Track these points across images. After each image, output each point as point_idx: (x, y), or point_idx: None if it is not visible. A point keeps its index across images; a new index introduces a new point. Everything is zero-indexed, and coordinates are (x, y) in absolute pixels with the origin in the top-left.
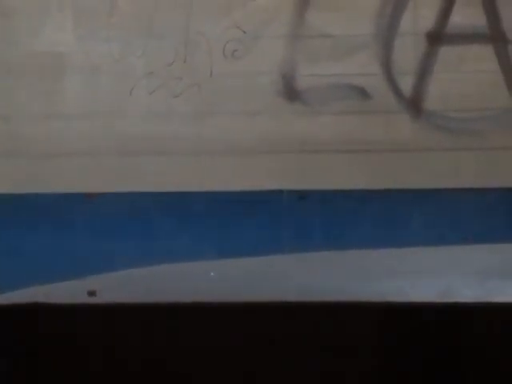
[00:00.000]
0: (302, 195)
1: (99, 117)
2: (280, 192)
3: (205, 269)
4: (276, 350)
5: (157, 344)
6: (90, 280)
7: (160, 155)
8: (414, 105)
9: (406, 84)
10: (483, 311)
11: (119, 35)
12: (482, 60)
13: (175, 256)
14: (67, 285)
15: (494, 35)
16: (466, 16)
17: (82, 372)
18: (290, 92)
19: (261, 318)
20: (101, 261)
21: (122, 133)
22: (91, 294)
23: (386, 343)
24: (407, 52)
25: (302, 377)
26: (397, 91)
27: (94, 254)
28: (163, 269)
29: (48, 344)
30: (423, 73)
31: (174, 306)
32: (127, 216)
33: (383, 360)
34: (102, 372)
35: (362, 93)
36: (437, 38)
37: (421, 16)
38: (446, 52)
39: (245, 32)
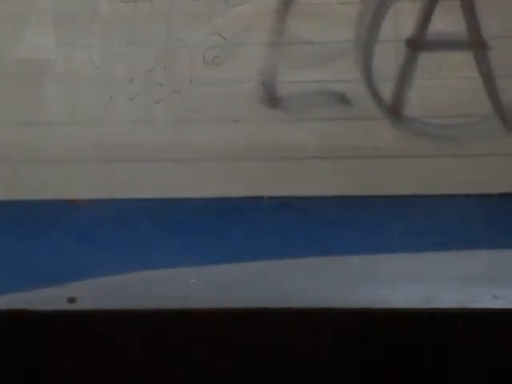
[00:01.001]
0: (283, 202)
1: (80, 123)
2: (261, 198)
3: (186, 275)
4: (256, 357)
5: (138, 350)
6: (70, 287)
7: (140, 162)
8: (394, 111)
9: (387, 90)
10: (464, 317)
11: (100, 42)
12: (461, 67)
13: (156, 262)
14: (47, 291)
15: (473, 42)
16: (446, 23)
17: (62, 379)
18: (271, 99)
19: (241, 324)
20: (81, 267)
21: (103, 139)
22: (71, 300)
23: (366, 349)
24: (387, 59)
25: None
26: (377, 98)
27: (75, 261)
28: (144, 275)
29: (27, 351)
30: (403, 79)
31: (155, 313)
32: (108, 222)
33: (363, 367)
34: (82, 379)
35: (343, 99)
36: (417, 44)
37: (401, 23)
38: (425, 59)
39: (225, 39)
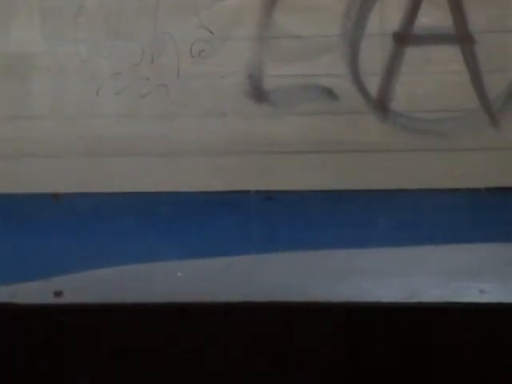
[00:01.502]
0: (269, 196)
1: (66, 117)
2: (247, 193)
3: (172, 269)
4: (242, 351)
5: (124, 344)
6: (56, 280)
7: (127, 156)
8: (381, 105)
9: (373, 85)
10: (450, 312)
11: (86, 36)
12: (448, 61)
13: (142, 256)
14: (33, 285)
15: (460, 36)
16: (433, 17)
17: (49, 373)
18: (258, 93)
19: (227, 318)
20: (68, 261)
21: (89, 133)
22: (58, 294)
23: (351, 344)
24: (374, 53)
25: (265, 378)
26: (364, 92)
27: (61, 255)
28: (130, 269)
29: (13, 344)
30: (390, 74)
31: (141, 307)
32: (94, 216)
33: (348, 361)
34: (69, 372)
35: (329, 94)
36: (403, 38)
37: (387, 17)
38: (412, 53)
39: (212, 32)
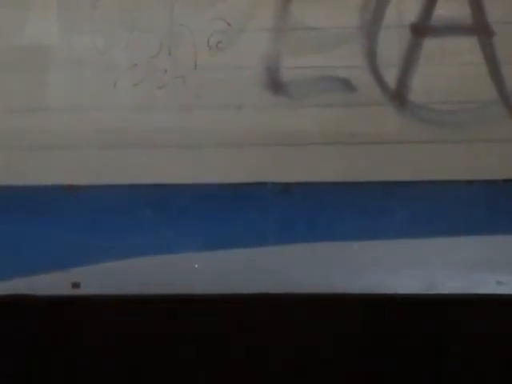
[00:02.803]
0: (286, 188)
1: (83, 109)
2: (265, 184)
3: (189, 261)
4: (258, 342)
5: (141, 336)
6: (74, 272)
7: (144, 148)
8: (399, 97)
9: (391, 76)
10: (468, 303)
11: (103, 28)
12: (466, 52)
13: (159, 248)
14: (51, 277)
15: (478, 28)
16: (451, 8)
17: (65, 364)
18: (275, 84)
19: (245, 309)
20: (85, 253)
21: (107, 125)
22: (75, 285)
23: (368, 335)
24: (392, 44)
25: (281, 370)
26: (381, 83)
27: (78, 246)
28: (147, 261)
29: (32, 336)
30: (407, 65)
31: (158, 299)
32: (111, 208)
33: (364, 353)
34: (85, 364)
35: (347, 85)
36: (421, 30)
37: (405, 9)
38: (430, 44)
39: (229, 24)
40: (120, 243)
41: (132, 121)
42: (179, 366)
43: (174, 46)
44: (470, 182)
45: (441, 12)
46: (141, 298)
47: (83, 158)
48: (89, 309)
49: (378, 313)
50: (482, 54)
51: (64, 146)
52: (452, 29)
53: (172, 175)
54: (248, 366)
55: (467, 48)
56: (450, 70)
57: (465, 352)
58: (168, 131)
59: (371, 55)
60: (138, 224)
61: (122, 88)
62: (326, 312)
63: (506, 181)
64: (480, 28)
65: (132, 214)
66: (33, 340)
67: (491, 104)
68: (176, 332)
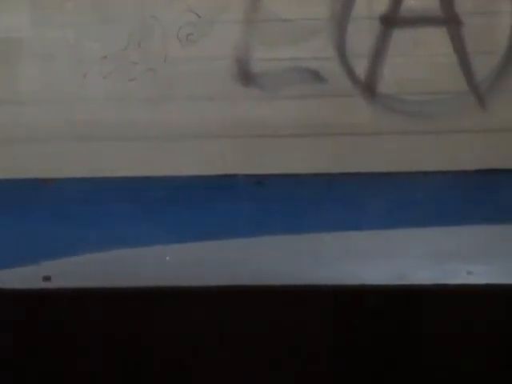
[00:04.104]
0: (258, 180)
1: (54, 102)
2: (236, 177)
3: (161, 253)
4: (231, 333)
5: (113, 328)
6: (44, 265)
7: (115, 140)
8: (369, 88)
9: (361, 67)
10: (438, 293)
11: (74, 20)
12: (435, 43)
13: (131, 241)
14: (22, 270)
15: (447, 18)
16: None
17: (37, 356)
18: (246, 76)
19: (217, 301)
20: (56, 246)
21: (77, 118)
22: (46, 279)
23: (339, 326)
24: (361, 36)
25: (254, 360)
26: (351, 75)
27: (50, 240)
28: (119, 254)
29: (2, 329)
30: (377, 56)
31: (130, 291)
32: (83, 201)
33: (337, 342)
34: (56, 356)
35: (317, 77)
36: (391, 21)
37: (375, 0)
38: (400, 35)
39: (199, 16)
40: (92, 236)
41: (103, 113)
42: (150, 356)
43: (144, 39)
44: (441, 173)
45: (410, 3)
46: (113, 291)
47: (54, 150)
48: (60, 302)
49: (350, 303)
50: (451, 45)
51: (35, 139)
52: (422, 20)
53: (143, 168)
54: (222, 356)
55: (437, 39)
56: (420, 60)
57: (435, 340)
58: (139, 124)
59: (341, 46)
60: (110, 217)
61: (93, 80)
62: (298, 303)
63: (477, 171)
64: (449, 19)
65: (104, 206)
66: (3, 333)
67: (461, 94)
68: (148, 323)
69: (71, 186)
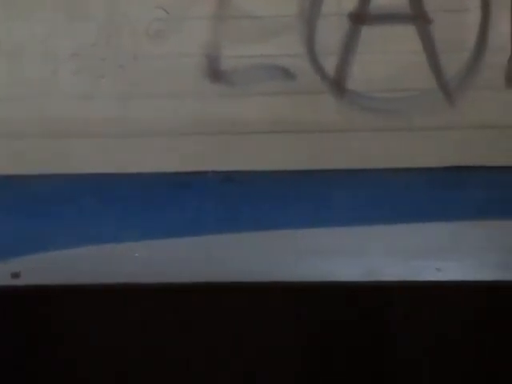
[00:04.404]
0: (227, 176)
1: (23, 98)
2: (206, 173)
3: (129, 250)
4: (200, 330)
5: (81, 325)
6: (13, 262)
7: (84, 137)
8: (338, 85)
9: (330, 65)
10: (407, 290)
11: (43, 17)
12: (404, 40)
13: (100, 238)
14: None
15: (416, 15)
16: None
17: (5, 353)
18: (215, 73)
19: (185, 298)
20: (26, 242)
21: (46, 114)
22: (15, 275)
23: (310, 322)
24: (331, 33)
25: (223, 357)
26: (321, 72)
27: (18, 236)
28: (88, 250)
29: None
30: (346, 53)
31: (99, 288)
32: (53, 198)
33: (307, 339)
34: (25, 353)
35: (287, 73)
36: (360, 18)
37: None
38: (369, 33)
39: (168, 13)
40: (61, 233)
41: (72, 110)
42: (117, 352)
43: (113, 35)
44: (409, 170)
45: (379, 0)
46: (81, 288)
47: (23, 146)
48: (28, 299)
49: (320, 300)
50: (420, 42)
51: (3, 135)
52: (391, 17)
53: (112, 164)
54: (189, 354)
55: (406, 36)
56: (389, 57)
57: (404, 336)
58: (108, 120)
59: (310, 43)
60: (78, 214)
61: (62, 77)
62: (267, 299)
63: (445, 168)
64: (418, 16)
65: (73, 203)
66: None
67: (430, 92)
68: (117, 320)
69: (39, 182)
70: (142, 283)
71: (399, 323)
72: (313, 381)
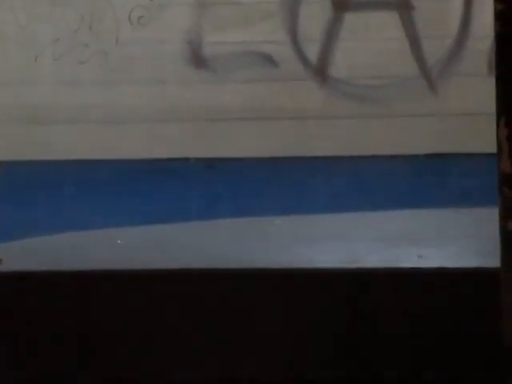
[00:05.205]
0: (209, 163)
1: (4, 84)
2: (187, 160)
3: (112, 237)
4: (182, 316)
5: (64, 311)
6: None
7: (65, 123)
8: (320, 72)
9: (313, 52)
10: (390, 277)
11: (24, 2)
12: (387, 28)
13: (82, 224)
14: None
15: (398, 3)
16: None
17: None
18: (197, 59)
19: (167, 285)
20: (7, 229)
21: (28, 101)
22: None
23: (290, 310)
24: (313, 19)
25: (203, 345)
26: (303, 59)
27: (0, 222)
28: (70, 237)
29: None
30: (329, 40)
31: (81, 274)
32: (34, 184)
33: (286, 327)
34: (5, 340)
35: (269, 60)
36: (343, 5)
37: None
38: (351, 20)
39: None
40: (43, 219)
41: (54, 96)
42: (99, 341)
43: (95, 21)
44: (392, 157)
45: None
46: (63, 274)
47: (4, 132)
48: (10, 285)
49: (300, 286)
50: (403, 29)
51: None
52: (373, 4)
53: (94, 151)
54: (170, 340)
55: (388, 23)
56: (371, 44)
57: (386, 324)
58: (90, 106)
59: (293, 30)
60: (61, 200)
61: (44, 63)
62: (249, 287)
63: (427, 155)
64: (401, 3)
65: (55, 189)
66: None
67: (412, 79)
68: (99, 306)
69: (20, 169)
70: (123, 269)
71: (381, 309)
72: (297, 367)
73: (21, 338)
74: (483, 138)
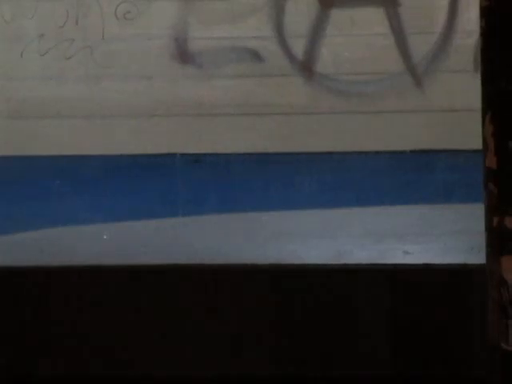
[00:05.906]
0: (196, 158)
1: None
2: (174, 156)
3: (98, 232)
4: (168, 311)
5: (48, 306)
6: None
7: (51, 118)
8: (307, 68)
9: (299, 47)
10: (375, 273)
11: None
12: (373, 23)
13: (68, 219)
14: None
15: None
16: None
17: None
18: (183, 55)
19: (153, 280)
20: None
21: (13, 95)
22: None
23: (277, 305)
24: (300, 15)
25: (192, 339)
26: (289, 54)
27: None
28: (56, 232)
29: None
30: (315, 36)
31: (66, 270)
32: (19, 179)
33: (274, 322)
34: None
35: (255, 56)
36: (329, 1)
37: None
38: (337, 15)
39: None
40: (29, 214)
41: (40, 91)
42: (84, 335)
43: (81, 16)
44: (377, 153)
45: None
46: (48, 270)
47: None
48: None
49: (287, 282)
50: (389, 25)
51: None
52: (360, 0)
53: (80, 146)
54: (158, 335)
55: (374, 19)
56: (357, 40)
57: (372, 320)
58: (76, 101)
59: (279, 26)
60: (46, 195)
61: (30, 58)
62: (236, 282)
63: (413, 151)
64: None
65: (40, 185)
66: None
67: (398, 75)
68: (86, 301)
69: (6, 163)
70: (109, 265)
71: (367, 305)
72: (284, 362)
73: (7, 333)
74: (469, 135)
